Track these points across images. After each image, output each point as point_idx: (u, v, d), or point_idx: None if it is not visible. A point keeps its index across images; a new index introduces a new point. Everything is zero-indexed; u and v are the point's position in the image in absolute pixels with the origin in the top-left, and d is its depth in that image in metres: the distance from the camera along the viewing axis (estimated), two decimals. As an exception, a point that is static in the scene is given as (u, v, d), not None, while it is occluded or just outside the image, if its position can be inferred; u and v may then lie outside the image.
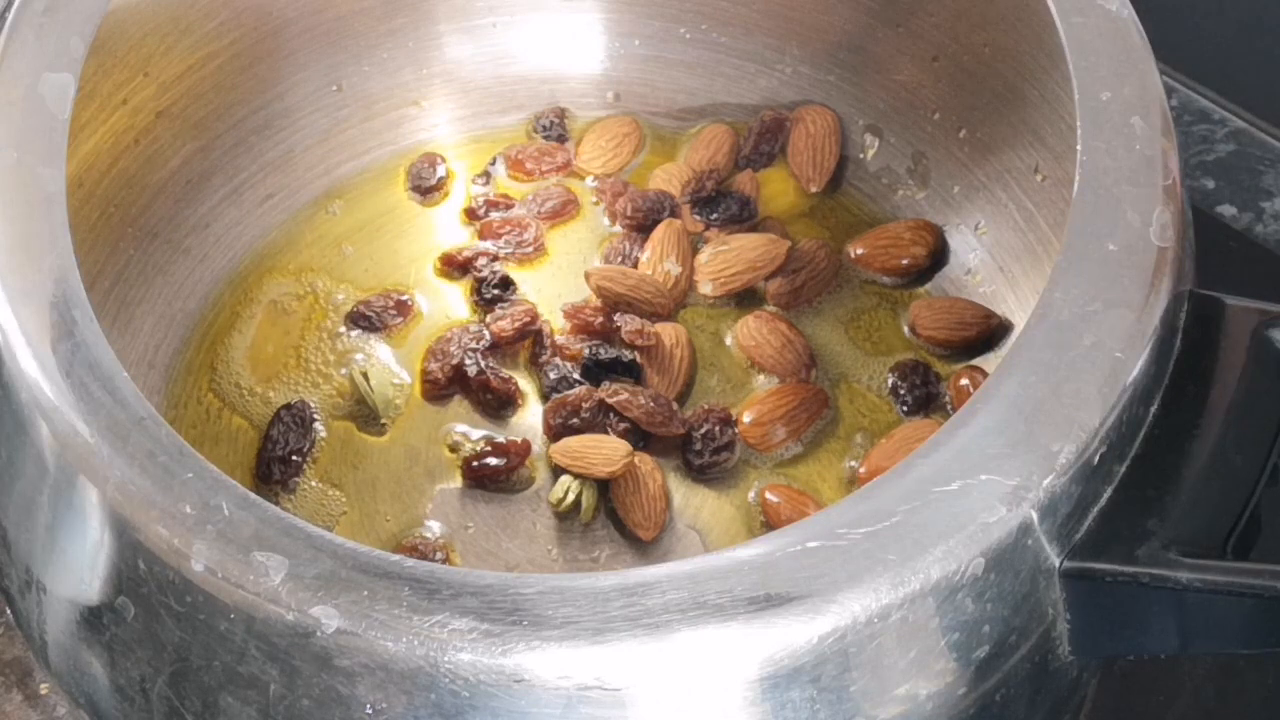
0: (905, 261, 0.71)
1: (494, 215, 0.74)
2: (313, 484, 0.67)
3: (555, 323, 0.70)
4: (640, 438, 0.67)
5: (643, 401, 0.67)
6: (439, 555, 0.65)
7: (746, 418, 0.67)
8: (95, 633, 0.54)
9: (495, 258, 0.72)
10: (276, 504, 0.60)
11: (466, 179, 0.75)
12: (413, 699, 0.49)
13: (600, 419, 0.67)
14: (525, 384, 0.69)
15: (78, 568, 0.54)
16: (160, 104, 0.69)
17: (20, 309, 0.56)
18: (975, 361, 0.69)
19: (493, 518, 0.66)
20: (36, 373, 0.54)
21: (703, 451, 0.66)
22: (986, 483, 0.51)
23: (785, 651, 0.49)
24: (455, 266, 0.72)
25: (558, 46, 0.77)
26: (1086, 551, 0.53)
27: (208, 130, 0.72)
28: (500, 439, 0.67)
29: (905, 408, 0.68)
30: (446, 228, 0.74)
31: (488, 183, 0.75)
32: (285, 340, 0.71)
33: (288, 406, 0.68)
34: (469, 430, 0.68)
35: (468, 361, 0.69)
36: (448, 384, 0.69)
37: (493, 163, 0.75)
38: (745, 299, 0.71)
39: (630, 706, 0.49)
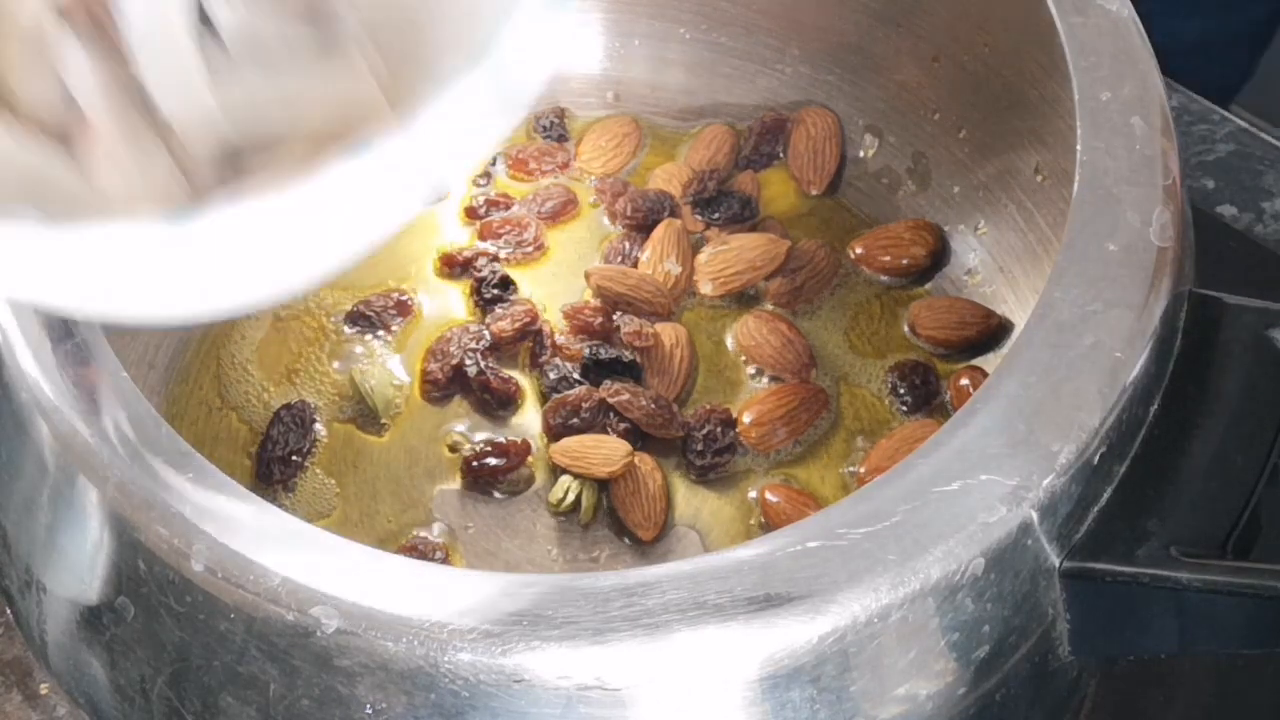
0: (905, 261, 0.71)
1: (494, 215, 0.74)
2: (312, 484, 0.67)
3: (555, 323, 0.70)
4: (640, 438, 0.67)
5: (643, 403, 0.67)
6: (439, 555, 0.65)
7: (746, 418, 0.67)
8: (95, 633, 0.54)
9: (495, 258, 0.72)
10: (276, 504, 0.60)
11: (467, 179, 0.75)
12: (413, 699, 0.49)
13: (600, 419, 0.67)
14: (525, 384, 0.69)
15: (78, 568, 0.54)
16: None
17: (20, 309, 0.56)
18: (975, 361, 0.69)
19: (493, 518, 0.66)
20: (36, 373, 0.54)
21: (704, 453, 0.66)
22: (986, 483, 0.51)
23: (785, 651, 0.49)
24: (455, 266, 0.72)
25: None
26: (1086, 551, 0.53)
27: (208, 130, 0.72)
28: (500, 439, 0.67)
29: (905, 408, 0.68)
30: (446, 227, 0.74)
31: (488, 182, 0.75)
32: (285, 340, 0.71)
33: (288, 406, 0.68)
34: (469, 430, 0.68)
35: (468, 361, 0.69)
36: (448, 384, 0.69)
37: (493, 163, 0.75)
38: (745, 299, 0.71)
39: (630, 706, 0.49)
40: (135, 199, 0.42)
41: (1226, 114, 0.80)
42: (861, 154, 0.74)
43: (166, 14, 0.44)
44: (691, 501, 0.66)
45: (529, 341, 0.70)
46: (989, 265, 0.70)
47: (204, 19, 0.44)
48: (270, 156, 0.45)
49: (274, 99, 0.44)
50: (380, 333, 0.70)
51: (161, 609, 0.52)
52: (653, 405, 0.67)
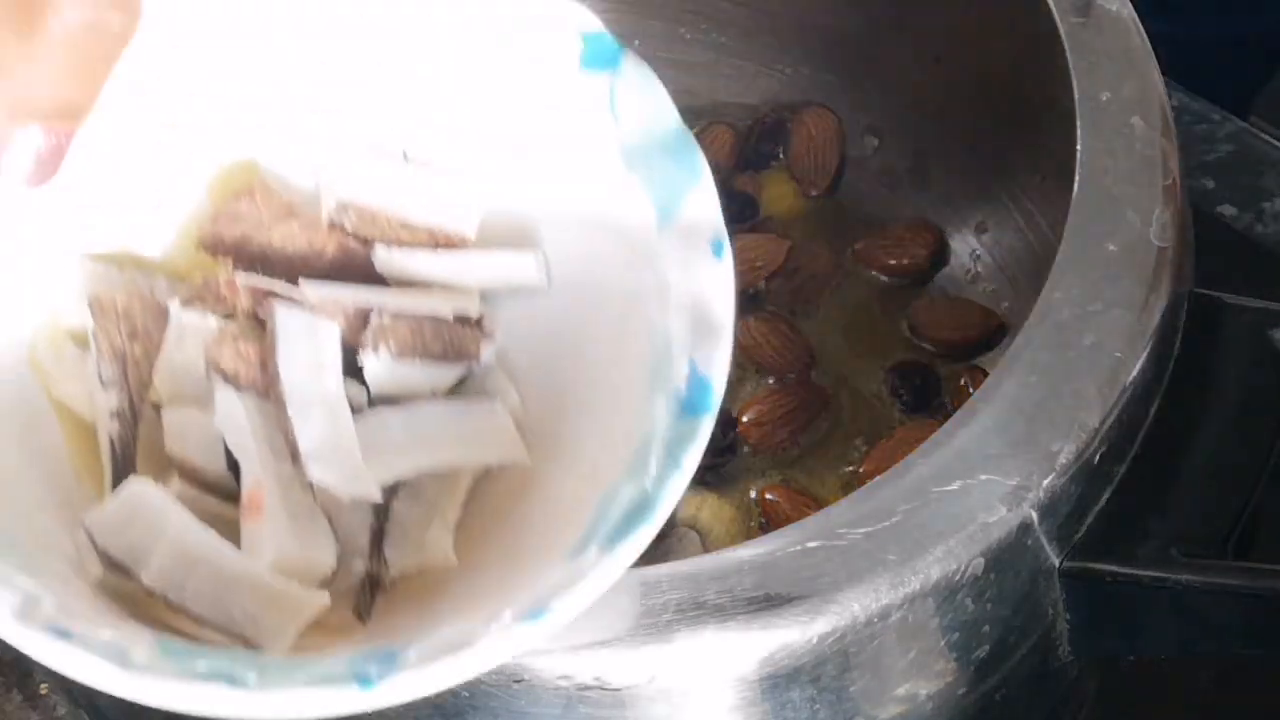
0: (905, 261, 0.71)
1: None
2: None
3: (555, 323, 0.70)
4: (640, 438, 0.67)
5: (643, 401, 0.66)
6: (439, 555, 0.64)
7: (746, 418, 0.67)
8: (95, 633, 0.54)
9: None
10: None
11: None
12: (413, 699, 0.49)
13: (600, 419, 0.67)
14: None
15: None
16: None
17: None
18: (975, 361, 0.69)
19: (493, 518, 0.66)
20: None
21: (705, 453, 0.66)
22: (986, 483, 0.51)
23: (785, 651, 0.49)
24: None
25: (558, 46, 0.77)
26: (1086, 551, 0.53)
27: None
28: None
29: (905, 408, 0.68)
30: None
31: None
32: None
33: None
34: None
35: (468, 361, 0.68)
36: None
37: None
38: (745, 299, 0.71)
39: (630, 706, 0.49)
40: (301, 582, 0.43)
41: (1227, 114, 0.80)
42: (861, 154, 0.74)
43: (322, 373, 0.45)
44: (691, 501, 0.66)
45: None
46: (989, 265, 0.70)
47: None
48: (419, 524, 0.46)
49: (413, 439, 0.45)
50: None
51: (161, 609, 0.51)
52: (653, 405, 0.67)
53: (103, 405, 0.45)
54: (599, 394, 0.46)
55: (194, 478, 0.45)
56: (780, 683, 0.50)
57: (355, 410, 0.45)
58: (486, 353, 0.47)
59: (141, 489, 0.44)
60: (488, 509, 0.47)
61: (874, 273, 0.71)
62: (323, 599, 0.43)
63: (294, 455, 0.43)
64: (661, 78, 0.76)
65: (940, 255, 0.71)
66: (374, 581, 0.45)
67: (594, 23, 0.47)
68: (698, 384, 0.44)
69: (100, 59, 0.40)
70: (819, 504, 0.65)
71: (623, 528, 0.42)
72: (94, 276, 0.47)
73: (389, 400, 0.46)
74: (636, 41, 0.76)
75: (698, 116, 0.76)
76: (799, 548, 0.50)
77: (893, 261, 0.71)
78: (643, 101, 0.47)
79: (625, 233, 0.46)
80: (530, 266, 0.48)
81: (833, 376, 0.69)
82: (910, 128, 0.73)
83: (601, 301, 0.47)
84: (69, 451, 0.46)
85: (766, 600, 0.49)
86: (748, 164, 0.75)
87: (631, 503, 0.42)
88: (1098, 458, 0.52)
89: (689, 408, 0.44)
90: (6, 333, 0.46)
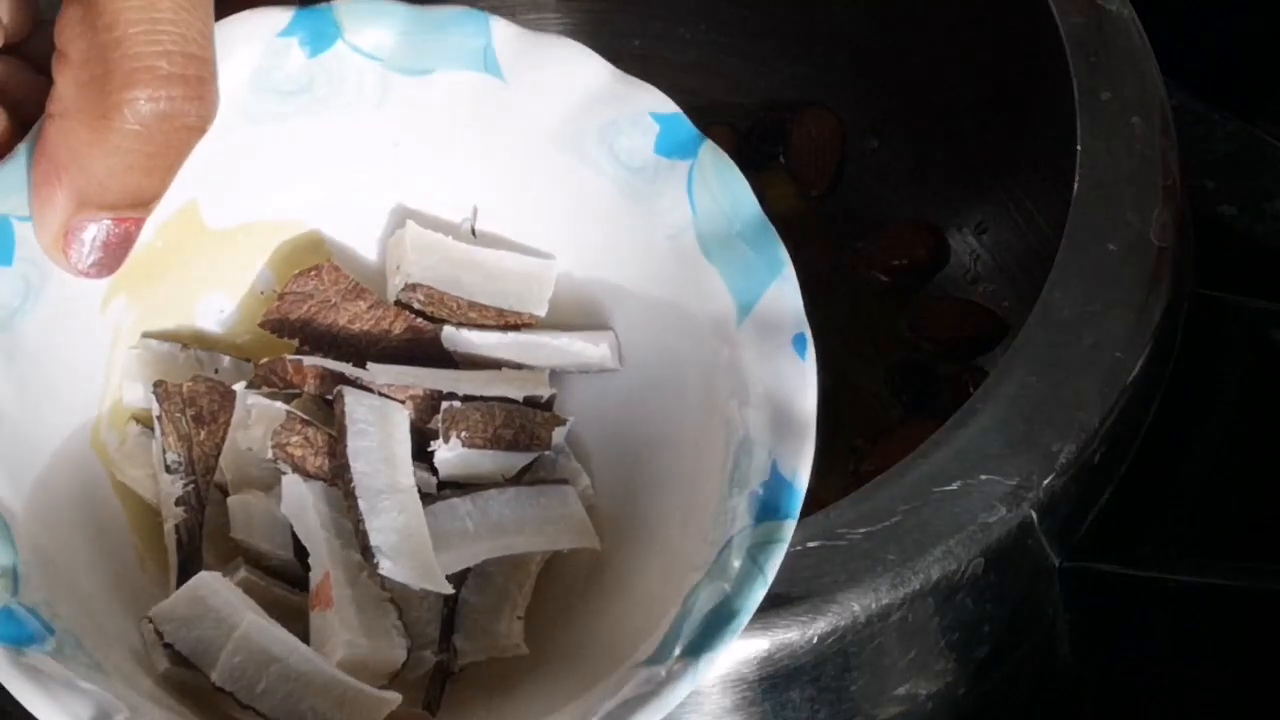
0: (905, 261, 0.71)
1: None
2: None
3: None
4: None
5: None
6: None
7: (746, 418, 0.67)
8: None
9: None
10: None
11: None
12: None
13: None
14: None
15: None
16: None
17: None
18: (975, 361, 0.69)
19: (493, 518, 0.66)
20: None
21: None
22: (986, 483, 0.51)
23: (785, 651, 0.49)
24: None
25: (558, 47, 0.77)
26: (1086, 551, 0.53)
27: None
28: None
29: (905, 408, 0.68)
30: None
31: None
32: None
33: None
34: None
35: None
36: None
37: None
38: (745, 299, 0.71)
39: (630, 706, 0.49)
40: (370, 676, 0.43)
41: (1227, 114, 0.80)
42: (861, 154, 0.74)
43: (393, 463, 0.44)
44: (691, 501, 0.66)
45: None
46: (989, 265, 0.70)
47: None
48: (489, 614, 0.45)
49: (483, 527, 0.45)
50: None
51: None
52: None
53: (168, 491, 0.44)
54: (675, 479, 0.45)
55: (260, 563, 0.44)
56: (780, 683, 0.50)
57: (424, 496, 0.44)
58: (558, 437, 0.46)
59: (210, 582, 0.42)
60: (559, 593, 0.46)
61: (874, 273, 0.71)
62: (395, 699, 0.42)
63: (363, 548, 0.42)
64: (661, 78, 0.77)
65: (940, 255, 0.71)
66: (444, 671, 0.44)
67: (668, 104, 0.46)
68: (780, 485, 0.42)
69: (174, 150, 0.39)
70: (819, 504, 0.65)
71: (706, 635, 0.41)
72: (157, 358, 0.46)
73: (457, 484, 0.45)
74: (636, 41, 0.76)
75: (698, 116, 0.76)
76: (799, 548, 0.50)
77: (893, 261, 0.71)
78: (721, 190, 0.46)
79: (702, 321, 0.45)
80: (603, 347, 0.47)
81: (833, 376, 0.69)
82: (910, 128, 0.73)
83: (675, 386, 0.46)
84: (132, 536, 0.45)
85: (766, 600, 0.49)
86: (748, 164, 0.74)
87: (714, 608, 0.41)
88: (1098, 458, 0.52)
89: (770, 510, 0.42)
90: (70, 415, 0.44)
